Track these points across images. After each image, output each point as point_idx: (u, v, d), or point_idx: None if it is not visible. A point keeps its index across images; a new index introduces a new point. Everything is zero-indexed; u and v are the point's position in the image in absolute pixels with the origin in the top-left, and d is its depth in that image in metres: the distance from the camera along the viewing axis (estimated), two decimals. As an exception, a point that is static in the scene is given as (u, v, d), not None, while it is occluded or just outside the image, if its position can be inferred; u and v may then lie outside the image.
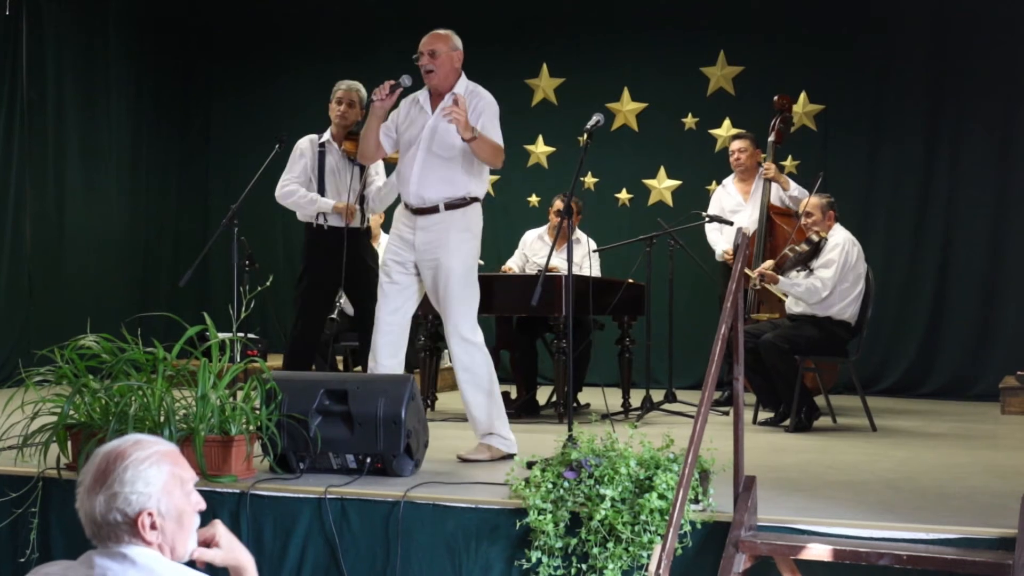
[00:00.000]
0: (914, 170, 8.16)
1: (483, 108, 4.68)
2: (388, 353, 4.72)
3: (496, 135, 4.68)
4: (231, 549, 2.27)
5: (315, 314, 5.85)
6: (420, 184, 4.63)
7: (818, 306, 5.98)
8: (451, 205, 4.65)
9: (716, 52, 8.66)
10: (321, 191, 5.76)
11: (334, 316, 6.09)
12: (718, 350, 3.36)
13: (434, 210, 4.64)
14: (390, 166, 5.52)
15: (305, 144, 5.83)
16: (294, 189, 5.74)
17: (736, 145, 7.27)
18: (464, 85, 4.71)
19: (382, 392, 4.15)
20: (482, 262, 4.87)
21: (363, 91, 5.78)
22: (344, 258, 5.44)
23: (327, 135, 5.84)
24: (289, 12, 9.79)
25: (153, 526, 2.08)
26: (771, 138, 7.05)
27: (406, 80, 4.67)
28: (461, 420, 6.10)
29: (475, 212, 4.73)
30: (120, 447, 2.11)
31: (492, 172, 9.09)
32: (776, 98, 7.11)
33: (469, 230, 4.71)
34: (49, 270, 8.44)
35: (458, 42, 4.73)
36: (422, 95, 4.75)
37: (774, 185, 6.96)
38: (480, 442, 4.68)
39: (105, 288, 8.82)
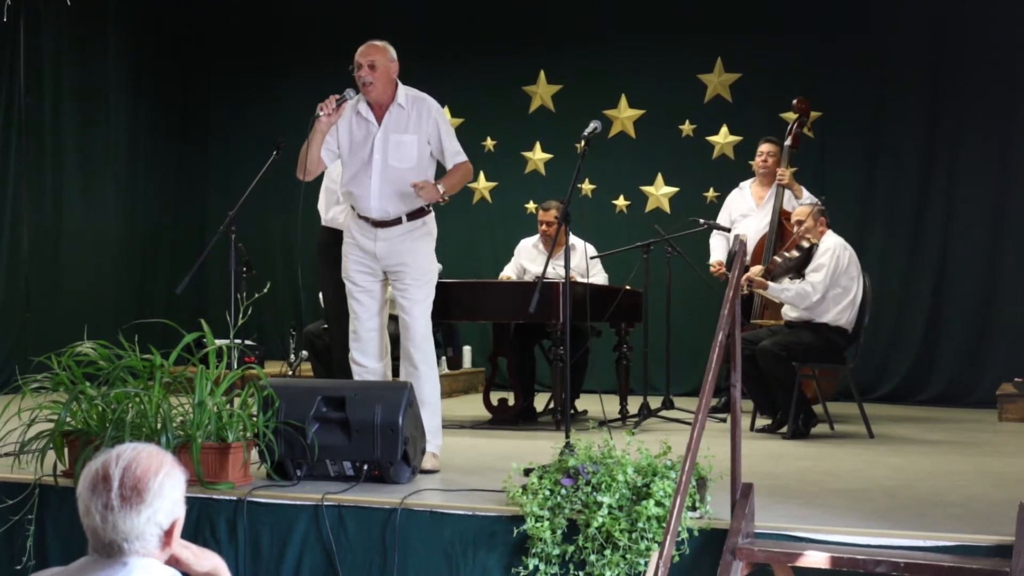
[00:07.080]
0: (911, 177, 8.17)
1: (436, 116, 4.70)
2: (377, 356, 4.75)
3: (455, 145, 4.72)
4: (200, 555, 2.24)
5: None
6: (381, 199, 4.65)
7: (813, 312, 5.96)
8: (413, 215, 4.70)
9: (713, 59, 8.68)
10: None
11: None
12: (715, 357, 3.36)
13: (396, 222, 4.69)
14: None
15: None
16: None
17: (765, 148, 7.10)
18: (405, 94, 4.71)
19: (379, 399, 4.14)
20: (440, 266, 4.96)
21: None
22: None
23: None
24: (287, 18, 9.81)
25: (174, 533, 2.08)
26: (787, 142, 6.99)
27: (350, 94, 4.68)
28: (453, 427, 6.11)
29: (432, 218, 4.81)
30: (138, 459, 2.04)
31: (489, 179, 9.29)
32: (795, 101, 7.03)
33: (430, 235, 4.78)
34: (46, 276, 8.43)
35: (394, 53, 4.72)
36: (363, 107, 4.72)
37: (787, 192, 6.92)
38: (428, 450, 4.54)
39: (102, 294, 8.82)
